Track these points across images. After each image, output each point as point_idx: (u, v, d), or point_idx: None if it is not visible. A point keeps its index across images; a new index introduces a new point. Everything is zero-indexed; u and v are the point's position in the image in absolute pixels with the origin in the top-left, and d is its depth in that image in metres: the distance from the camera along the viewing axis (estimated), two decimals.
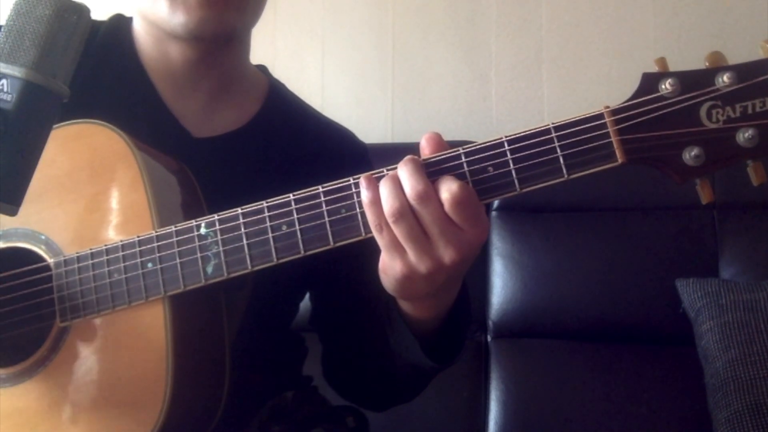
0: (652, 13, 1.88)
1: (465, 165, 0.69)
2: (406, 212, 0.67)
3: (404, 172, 0.67)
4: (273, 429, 0.92)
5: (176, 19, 0.85)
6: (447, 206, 0.66)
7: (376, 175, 0.70)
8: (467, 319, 0.83)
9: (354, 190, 0.71)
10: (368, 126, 1.97)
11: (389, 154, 0.72)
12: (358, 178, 0.70)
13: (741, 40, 1.79)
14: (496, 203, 1.75)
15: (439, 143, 0.70)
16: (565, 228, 1.69)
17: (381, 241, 0.69)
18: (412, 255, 0.68)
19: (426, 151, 0.70)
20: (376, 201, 0.68)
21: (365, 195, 0.69)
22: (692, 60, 0.68)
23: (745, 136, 0.65)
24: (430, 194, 0.67)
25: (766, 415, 1.36)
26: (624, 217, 1.67)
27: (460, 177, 0.68)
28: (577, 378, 1.59)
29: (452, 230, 0.67)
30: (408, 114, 2.01)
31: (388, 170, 0.70)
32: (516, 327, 1.67)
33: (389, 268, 0.70)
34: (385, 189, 0.68)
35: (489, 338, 1.69)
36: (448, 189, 0.66)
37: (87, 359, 0.78)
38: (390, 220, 0.67)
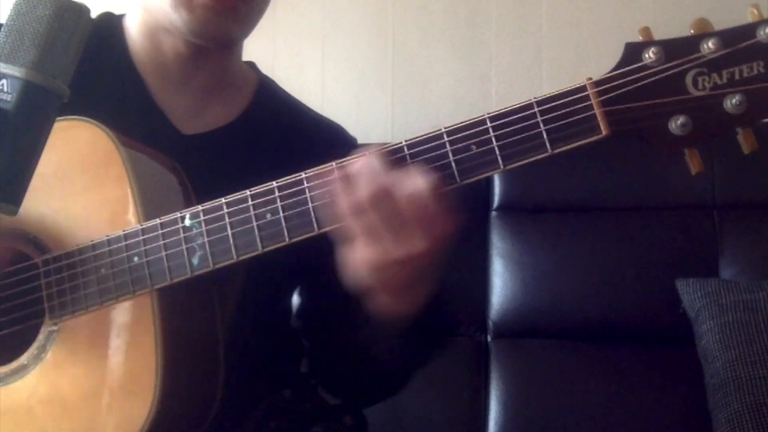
0: (652, 13, 1.88)
1: (447, 145, 0.69)
2: (387, 196, 0.67)
3: (377, 160, 0.68)
4: (270, 425, 0.92)
5: (178, 16, 0.85)
6: (422, 196, 0.66)
7: (345, 163, 0.69)
8: (435, 316, 0.82)
9: None
10: (368, 126, 1.97)
11: None
12: (342, 161, 0.70)
13: None
14: (496, 203, 1.75)
15: None
16: (565, 228, 1.69)
17: (359, 225, 0.68)
18: (389, 240, 0.67)
19: None
20: (352, 186, 0.68)
21: (341, 179, 0.68)
22: None
23: (732, 102, 0.63)
24: (410, 182, 0.67)
25: (766, 415, 1.36)
26: (624, 217, 1.67)
27: (441, 158, 0.69)
28: (577, 378, 1.59)
29: (427, 219, 0.67)
30: (408, 114, 2.01)
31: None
32: (516, 327, 1.67)
33: (364, 255, 0.69)
34: (363, 174, 0.68)
35: (489, 338, 1.69)
36: (424, 180, 0.67)
37: (77, 356, 0.78)
38: (370, 204, 0.67)
